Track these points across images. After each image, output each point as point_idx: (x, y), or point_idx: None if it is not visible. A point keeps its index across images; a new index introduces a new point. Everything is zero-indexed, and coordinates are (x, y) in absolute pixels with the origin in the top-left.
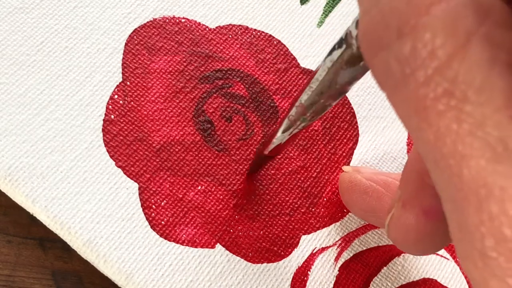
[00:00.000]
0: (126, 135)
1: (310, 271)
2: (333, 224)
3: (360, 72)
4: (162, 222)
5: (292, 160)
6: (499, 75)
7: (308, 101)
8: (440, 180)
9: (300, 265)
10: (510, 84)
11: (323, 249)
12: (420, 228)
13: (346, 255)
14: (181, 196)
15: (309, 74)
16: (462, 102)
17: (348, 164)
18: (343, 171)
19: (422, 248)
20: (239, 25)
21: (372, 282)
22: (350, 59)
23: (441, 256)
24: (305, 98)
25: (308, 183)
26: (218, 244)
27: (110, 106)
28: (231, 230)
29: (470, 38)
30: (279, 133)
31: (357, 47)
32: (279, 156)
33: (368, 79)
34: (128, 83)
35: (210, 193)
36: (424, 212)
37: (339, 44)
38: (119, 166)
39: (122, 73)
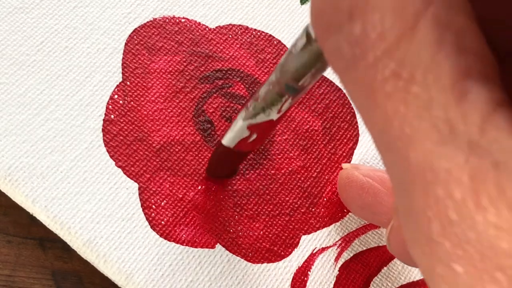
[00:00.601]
0: (126, 135)
1: (310, 271)
2: (333, 224)
3: (312, 62)
4: (162, 222)
5: (292, 160)
6: (445, 56)
7: (265, 93)
8: (389, 164)
9: (300, 265)
10: (457, 65)
11: (323, 249)
12: None
13: (346, 255)
14: (181, 196)
15: None
16: (409, 83)
17: None
18: (342, 168)
19: None
20: (239, 25)
21: (372, 282)
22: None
23: None
24: (263, 90)
25: (308, 183)
26: (218, 244)
27: (110, 106)
28: (231, 230)
29: (418, 19)
30: (238, 122)
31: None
32: (279, 156)
33: None
34: (128, 83)
35: (210, 193)
36: None
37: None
38: (119, 166)
39: (122, 73)
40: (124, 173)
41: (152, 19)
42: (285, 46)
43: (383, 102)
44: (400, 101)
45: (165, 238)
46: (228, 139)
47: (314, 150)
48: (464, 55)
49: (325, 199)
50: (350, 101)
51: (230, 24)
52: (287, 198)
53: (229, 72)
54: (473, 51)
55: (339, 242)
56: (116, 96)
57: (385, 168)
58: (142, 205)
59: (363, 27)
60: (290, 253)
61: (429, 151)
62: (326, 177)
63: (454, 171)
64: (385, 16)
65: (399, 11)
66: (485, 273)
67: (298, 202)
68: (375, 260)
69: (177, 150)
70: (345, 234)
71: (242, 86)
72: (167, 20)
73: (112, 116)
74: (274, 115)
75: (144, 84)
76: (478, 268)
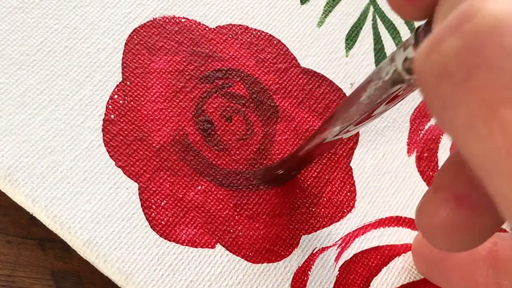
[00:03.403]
0: (126, 135)
1: (310, 271)
2: (333, 224)
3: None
4: (162, 222)
5: None
6: None
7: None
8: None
9: (300, 265)
10: None
11: (323, 249)
12: (449, 215)
13: (346, 255)
14: (181, 196)
15: (309, 74)
16: None
17: (348, 164)
18: (343, 170)
19: (451, 240)
20: (239, 25)
21: (372, 282)
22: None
23: None
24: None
25: (308, 183)
26: (218, 244)
27: (110, 106)
28: (231, 230)
29: None
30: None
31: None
32: (279, 156)
33: None
34: (128, 82)
35: (210, 193)
36: (456, 198)
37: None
38: (119, 166)
39: (122, 72)
40: (124, 173)
41: (152, 19)
42: (285, 45)
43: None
44: None
45: (165, 238)
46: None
47: None
48: None
49: (325, 199)
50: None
51: (230, 24)
52: (287, 198)
53: (229, 72)
54: None
55: (339, 242)
56: (116, 96)
57: (496, 199)
58: (142, 205)
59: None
60: (290, 253)
61: None
62: (326, 177)
63: None
64: None
65: None
66: None
67: (298, 202)
68: (375, 260)
69: (177, 150)
70: (345, 234)
71: (242, 86)
72: (167, 20)
73: (112, 116)
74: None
75: (144, 84)
76: None
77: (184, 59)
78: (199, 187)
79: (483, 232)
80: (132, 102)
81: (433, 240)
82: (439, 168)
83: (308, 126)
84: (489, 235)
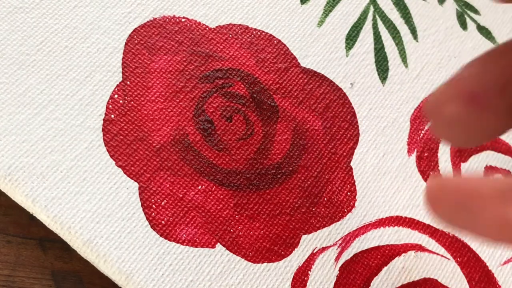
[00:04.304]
0: (126, 134)
1: (310, 271)
2: (333, 224)
3: None
4: (162, 222)
5: (293, 159)
6: None
7: None
8: None
9: (300, 265)
10: None
11: (323, 249)
12: (459, 108)
13: (346, 255)
14: (181, 195)
15: (309, 73)
16: None
17: (349, 164)
18: (343, 170)
19: (455, 134)
20: (239, 25)
21: (372, 282)
22: None
23: (442, 256)
24: None
25: (309, 182)
26: (218, 244)
27: (110, 106)
28: (231, 230)
29: None
30: None
31: None
32: (279, 156)
33: (368, 78)
34: (128, 82)
35: (210, 192)
36: (470, 94)
37: None
38: (119, 166)
39: (122, 72)
40: (124, 172)
41: (152, 18)
42: (285, 45)
43: None
44: None
45: (165, 238)
46: None
47: (314, 149)
48: None
49: (325, 198)
50: (350, 101)
51: (230, 24)
52: (287, 198)
53: (229, 71)
54: None
55: (340, 242)
56: (116, 96)
57: None
58: (142, 205)
59: None
60: (291, 252)
61: None
62: (327, 177)
63: None
64: None
65: None
66: None
67: (299, 202)
68: (375, 260)
69: (177, 150)
70: (345, 234)
71: (243, 85)
72: (167, 19)
73: (112, 116)
74: None
75: (144, 83)
76: None
77: (184, 59)
78: (199, 187)
79: (491, 132)
80: (132, 102)
81: (437, 130)
82: (439, 168)
83: (308, 125)
84: (497, 135)
